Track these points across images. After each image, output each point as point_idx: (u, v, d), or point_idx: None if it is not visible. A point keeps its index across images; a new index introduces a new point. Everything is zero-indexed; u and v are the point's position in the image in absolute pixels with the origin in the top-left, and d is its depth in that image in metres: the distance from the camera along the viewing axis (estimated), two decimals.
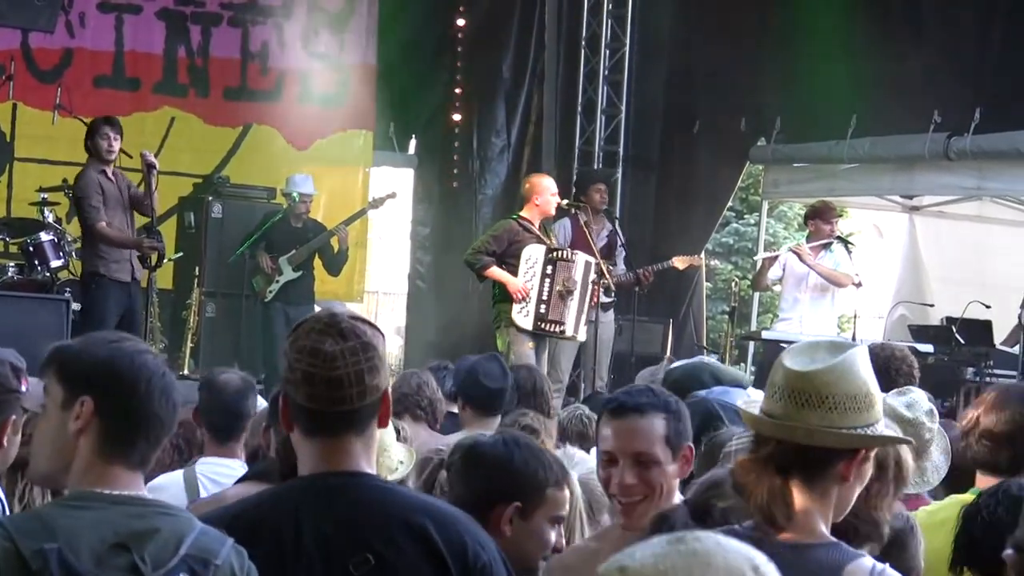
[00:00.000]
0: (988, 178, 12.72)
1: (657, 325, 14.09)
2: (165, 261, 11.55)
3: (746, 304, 16.25)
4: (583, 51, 15.61)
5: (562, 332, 11.57)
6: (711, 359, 7.62)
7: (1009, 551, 2.38)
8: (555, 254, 11.52)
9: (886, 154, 13.23)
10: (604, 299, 12.37)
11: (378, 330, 3.12)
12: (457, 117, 15.80)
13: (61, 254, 11.61)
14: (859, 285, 12.09)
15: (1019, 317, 11.67)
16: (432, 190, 15.96)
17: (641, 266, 12.71)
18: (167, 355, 12.96)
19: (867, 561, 3.00)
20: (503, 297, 11.50)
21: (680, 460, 3.81)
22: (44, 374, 3.01)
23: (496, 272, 11.49)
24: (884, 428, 3.08)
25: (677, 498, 3.74)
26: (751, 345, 14.39)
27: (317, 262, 13.24)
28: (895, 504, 3.29)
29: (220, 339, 13.31)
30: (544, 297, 11.42)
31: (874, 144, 13.17)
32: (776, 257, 12.74)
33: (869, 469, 3.09)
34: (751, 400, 3.19)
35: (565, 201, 12.50)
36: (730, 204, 17.12)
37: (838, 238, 12.30)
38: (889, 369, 6.68)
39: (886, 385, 4.73)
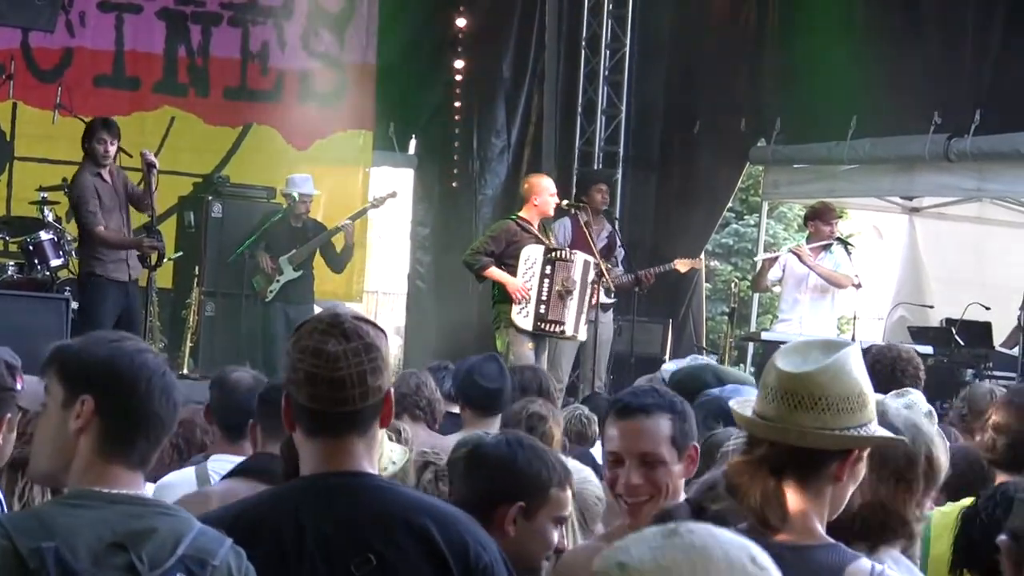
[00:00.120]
0: (988, 179, 12.71)
1: (657, 325, 14.09)
2: (165, 260, 11.54)
3: (746, 305, 16.25)
4: (583, 51, 15.60)
5: (562, 332, 11.56)
6: (706, 358, 7.61)
7: (1003, 537, 2.38)
8: (554, 254, 11.52)
9: (886, 155, 13.22)
10: (605, 300, 12.37)
11: (381, 330, 3.11)
12: (457, 117, 15.80)
13: (61, 253, 11.60)
14: (859, 286, 12.09)
15: (1019, 319, 11.66)
16: (432, 190, 15.96)
17: (640, 266, 12.71)
18: (167, 354, 12.92)
19: (866, 562, 3.00)
20: (502, 298, 11.50)
21: (685, 460, 3.83)
22: (45, 374, 3.01)
23: (495, 272, 11.48)
24: (877, 427, 3.08)
25: (682, 498, 3.75)
26: (750, 346, 14.37)
27: (317, 262, 13.23)
28: (926, 502, 3.27)
29: (220, 339, 13.30)
30: (543, 297, 11.42)
31: (874, 145, 13.16)
32: (776, 258, 12.74)
33: (863, 468, 3.08)
34: (744, 400, 3.18)
35: (565, 201, 12.50)
36: (730, 205, 17.12)
37: (838, 239, 12.29)
38: (895, 370, 6.69)
39: (890, 386, 4.73)
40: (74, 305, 10.96)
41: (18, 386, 3.76)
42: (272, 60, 14.86)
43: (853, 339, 11.33)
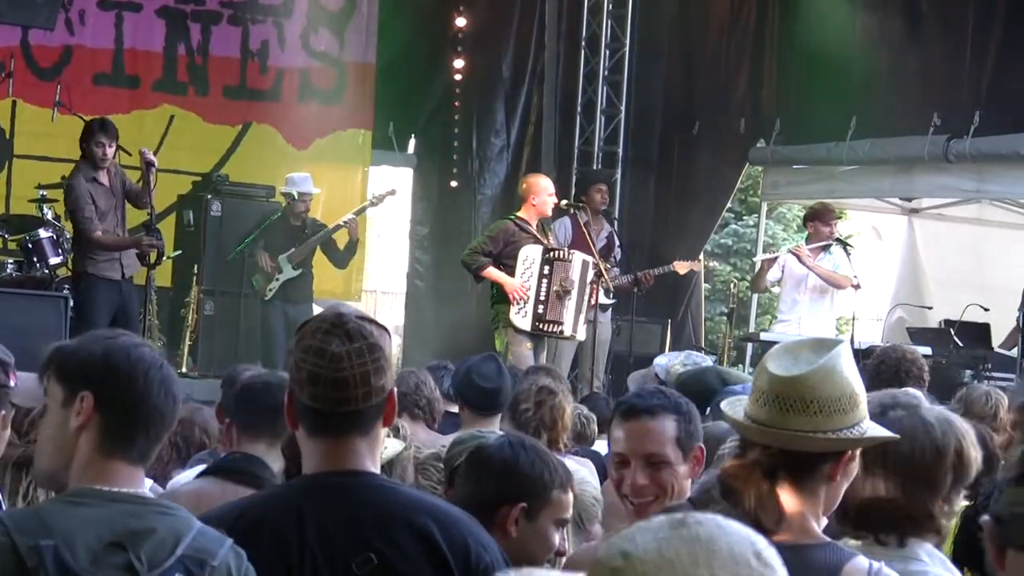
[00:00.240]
0: (987, 181, 12.72)
1: (655, 326, 14.10)
2: (164, 259, 11.54)
3: (745, 305, 16.26)
4: (583, 51, 15.60)
5: (560, 332, 11.56)
6: (699, 355, 7.60)
7: (986, 517, 2.40)
8: (552, 254, 11.51)
9: (885, 156, 13.22)
10: (604, 301, 12.36)
11: (385, 330, 3.11)
12: (456, 117, 15.81)
13: (60, 251, 11.59)
14: (858, 287, 12.09)
15: (1017, 320, 11.66)
16: (431, 190, 15.96)
17: (640, 267, 12.72)
18: (165, 353, 12.93)
19: (863, 560, 3.01)
20: (501, 298, 11.50)
21: (691, 461, 3.85)
22: (44, 376, 3.02)
23: (493, 273, 11.48)
24: (870, 425, 3.08)
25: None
26: (749, 346, 14.36)
27: (316, 260, 13.22)
28: (955, 497, 3.26)
29: (219, 337, 13.29)
30: (542, 297, 11.42)
31: (873, 146, 13.16)
32: (775, 259, 12.74)
33: (855, 467, 3.10)
34: (735, 400, 3.19)
35: (564, 201, 12.50)
36: (729, 205, 17.11)
37: (837, 240, 12.29)
38: (900, 371, 6.72)
39: (894, 386, 4.75)
40: (72, 303, 10.95)
41: (11, 383, 3.76)
42: (272, 59, 14.86)
43: (852, 340, 11.34)
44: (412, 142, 15.97)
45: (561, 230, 12.48)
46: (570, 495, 3.66)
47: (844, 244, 12.26)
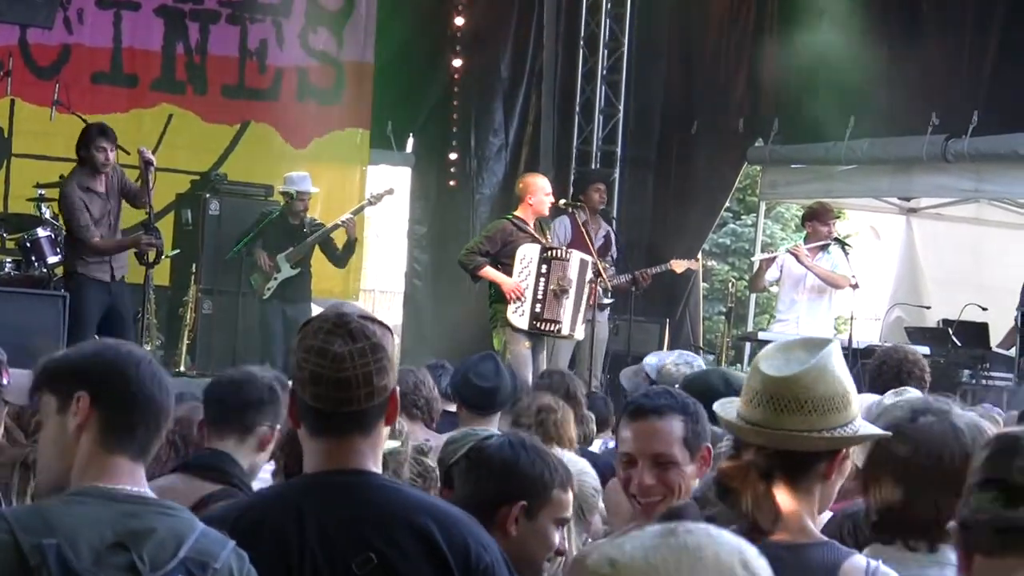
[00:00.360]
0: (986, 180, 12.73)
1: (653, 325, 14.10)
2: (162, 258, 11.54)
3: (743, 305, 16.27)
4: (581, 51, 15.61)
5: (558, 331, 11.56)
6: (691, 354, 7.60)
7: (952, 524, 2.41)
8: (549, 253, 11.52)
9: (884, 156, 13.23)
10: (604, 300, 12.37)
11: (387, 328, 3.11)
12: (455, 116, 15.81)
13: (58, 250, 11.58)
14: (856, 287, 12.09)
15: (1016, 319, 11.67)
16: (429, 189, 15.97)
17: (638, 266, 12.73)
18: (163, 352, 12.95)
19: (860, 559, 3.02)
20: (499, 297, 11.50)
21: (698, 461, 3.85)
22: (36, 394, 3.03)
23: (490, 272, 11.49)
24: (862, 424, 3.10)
25: None
26: (747, 346, 14.37)
27: (314, 260, 13.22)
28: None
29: (217, 336, 13.28)
30: (539, 296, 11.42)
31: (872, 146, 13.18)
32: (773, 258, 12.74)
33: (849, 464, 3.12)
34: (727, 401, 3.20)
35: (563, 201, 12.51)
36: (727, 205, 17.12)
37: (835, 240, 12.29)
38: (901, 371, 6.74)
39: (895, 387, 4.76)
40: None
41: (4, 380, 3.77)
42: (270, 58, 14.86)
43: (850, 339, 11.35)
44: (410, 141, 15.98)
45: (561, 229, 12.49)
46: (570, 494, 3.66)
47: (842, 244, 12.26)
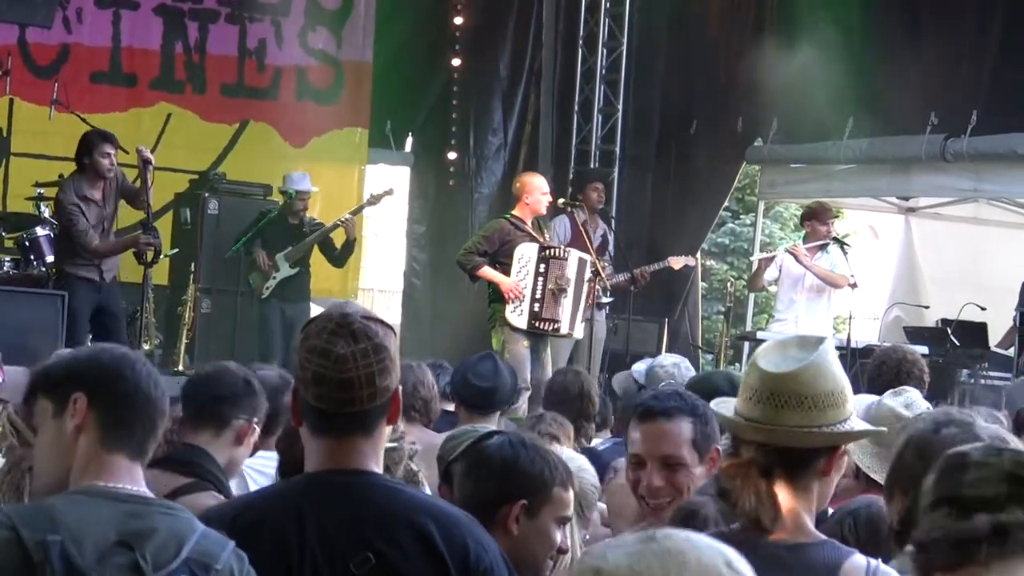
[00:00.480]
0: (984, 180, 12.73)
1: (652, 324, 14.10)
2: (161, 257, 11.54)
3: (742, 304, 16.27)
4: (580, 50, 15.61)
5: (556, 330, 11.57)
6: (676, 357, 7.59)
7: (908, 548, 2.43)
8: (547, 252, 11.52)
9: (883, 155, 13.24)
10: (603, 299, 12.37)
11: (390, 329, 3.11)
12: (454, 115, 15.81)
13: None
14: (855, 286, 12.11)
15: (1014, 319, 11.68)
16: (428, 188, 15.97)
17: (636, 266, 12.72)
18: (162, 351, 12.95)
19: (860, 559, 3.02)
20: (497, 297, 11.51)
21: (707, 463, 3.86)
22: (30, 401, 3.04)
23: (488, 272, 11.49)
24: (857, 420, 3.12)
25: None
26: (746, 345, 14.38)
27: (313, 259, 13.22)
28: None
29: (216, 336, 13.28)
30: (538, 296, 11.42)
31: (871, 145, 13.18)
32: (772, 258, 12.75)
33: (845, 461, 3.14)
34: (722, 400, 3.21)
35: (561, 200, 12.52)
36: (726, 204, 17.12)
37: (834, 239, 12.30)
38: (900, 371, 6.75)
39: (894, 387, 4.76)
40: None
41: (0, 378, 3.77)
42: (269, 57, 14.85)
43: (848, 339, 11.36)
44: (409, 140, 15.98)
45: (560, 228, 12.51)
46: (571, 493, 3.67)
47: (841, 243, 12.27)
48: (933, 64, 12.66)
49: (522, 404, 9.99)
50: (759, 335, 12.83)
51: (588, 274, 11.64)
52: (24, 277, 11.46)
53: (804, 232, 12.76)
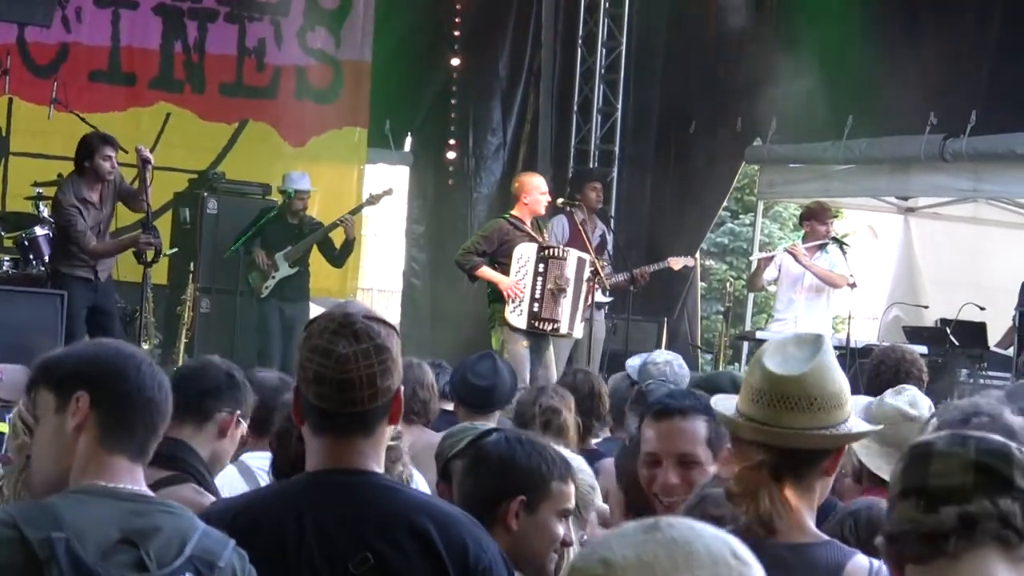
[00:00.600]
0: (984, 180, 12.74)
1: (651, 324, 14.09)
2: (161, 257, 11.54)
3: (741, 304, 16.28)
4: (579, 50, 15.61)
5: (556, 330, 11.56)
6: (670, 354, 7.58)
7: (879, 539, 2.43)
8: (547, 252, 11.52)
9: (882, 155, 13.24)
10: (602, 299, 12.36)
11: (393, 329, 3.11)
12: (453, 115, 15.81)
13: None
14: (854, 286, 12.11)
15: (1014, 319, 11.68)
16: (427, 188, 15.97)
17: (636, 266, 12.72)
18: (161, 351, 12.95)
19: (863, 559, 3.02)
20: (497, 296, 11.50)
21: (720, 461, 3.87)
22: (32, 391, 3.02)
23: (487, 272, 11.49)
24: (856, 419, 3.13)
25: None
26: (745, 345, 14.38)
27: (312, 259, 13.21)
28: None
29: (215, 335, 13.27)
30: (537, 295, 11.42)
31: (870, 145, 13.18)
32: (771, 257, 12.75)
33: (842, 458, 3.15)
34: (721, 399, 3.21)
35: (560, 199, 12.51)
36: (725, 204, 17.12)
37: (833, 239, 12.30)
38: (899, 371, 6.75)
39: (893, 387, 4.76)
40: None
41: None
42: (268, 57, 14.85)
43: (848, 339, 11.36)
44: (408, 140, 15.98)
45: (559, 228, 12.50)
46: (571, 486, 3.67)
47: (840, 243, 12.27)
48: (932, 64, 12.65)
49: None
50: (758, 335, 12.83)
51: (587, 274, 11.63)
52: (23, 277, 11.46)
53: (803, 232, 12.76)
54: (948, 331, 11.76)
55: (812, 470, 3.07)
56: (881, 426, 3.16)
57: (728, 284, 15.23)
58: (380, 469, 3.13)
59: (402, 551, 3.02)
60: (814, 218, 12.39)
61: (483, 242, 11.59)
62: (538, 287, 11.41)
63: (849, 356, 10.66)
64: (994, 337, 12.06)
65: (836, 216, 13.82)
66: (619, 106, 15.50)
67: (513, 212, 11.71)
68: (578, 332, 11.81)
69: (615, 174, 15.37)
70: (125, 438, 2.93)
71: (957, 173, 12.79)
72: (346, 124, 15.15)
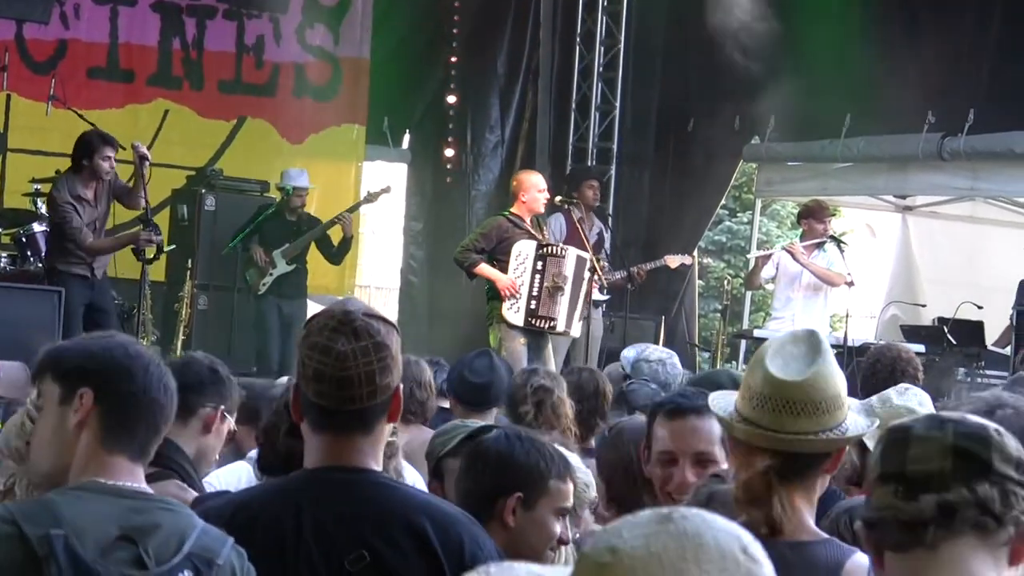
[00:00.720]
0: (981, 179, 12.73)
1: (649, 322, 14.09)
2: (160, 254, 11.53)
3: (738, 302, 16.27)
4: (578, 48, 15.60)
5: (553, 327, 11.56)
6: (664, 351, 7.57)
7: (859, 524, 2.43)
8: (545, 249, 11.51)
9: (880, 154, 13.23)
10: (600, 297, 12.36)
11: (392, 326, 3.11)
12: (451, 112, 15.80)
13: None
14: (852, 284, 12.12)
15: (1011, 318, 11.68)
16: (425, 185, 15.96)
17: (634, 263, 12.72)
18: (159, 347, 12.94)
19: (862, 557, 3.02)
20: (495, 294, 11.50)
21: (731, 460, 3.88)
22: (37, 378, 3.02)
23: (485, 269, 11.48)
24: (853, 417, 3.13)
25: None
26: (743, 343, 14.39)
27: (310, 256, 13.21)
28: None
29: (212, 332, 13.26)
30: (535, 293, 11.41)
31: (868, 143, 13.17)
32: (769, 256, 12.76)
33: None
34: (720, 396, 3.21)
35: (558, 197, 12.51)
36: (723, 202, 17.11)
37: (831, 237, 12.31)
38: (895, 370, 6.76)
39: (889, 385, 4.76)
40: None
41: None
42: (267, 54, 14.84)
43: (845, 338, 11.37)
44: (406, 137, 15.97)
45: (556, 226, 12.49)
46: (570, 484, 3.68)
47: (838, 241, 12.28)
48: (931, 62, 12.65)
49: None
50: (756, 333, 12.84)
51: (586, 271, 11.63)
52: (21, 273, 11.46)
53: (801, 230, 12.76)
54: (946, 330, 11.77)
55: (815, 471, 3.09)
56: (877, 422, 3.15)
57: (726, 282, 15.20)
58: (379, 467, 3.14)
59: (399, 549, 3.02)
60: (812, 216, 12.39)
61: (482, 239, 11.59)
62: (536, 284, 11.41)
63: (846, 355, 10.66)
64: (991, 336, 12.07)
65: (834, 214, 13.83)
66: (617, 104, 15.50)
67: (512, 210, 11.71)
68: (576, 331, 11.80)
69: (613, 172, 15.37)
70: (126, 438, 2.93)
71: (955, 172, 12.79)
72: (344, 121, 15.14)
